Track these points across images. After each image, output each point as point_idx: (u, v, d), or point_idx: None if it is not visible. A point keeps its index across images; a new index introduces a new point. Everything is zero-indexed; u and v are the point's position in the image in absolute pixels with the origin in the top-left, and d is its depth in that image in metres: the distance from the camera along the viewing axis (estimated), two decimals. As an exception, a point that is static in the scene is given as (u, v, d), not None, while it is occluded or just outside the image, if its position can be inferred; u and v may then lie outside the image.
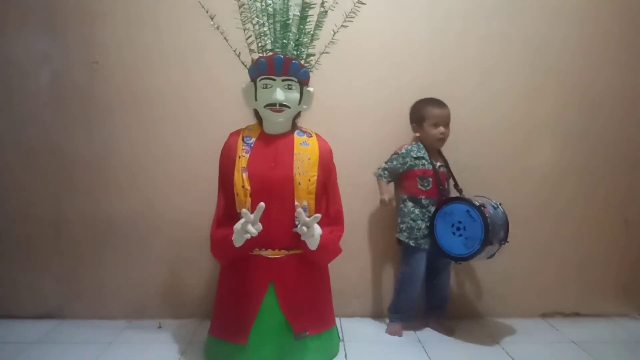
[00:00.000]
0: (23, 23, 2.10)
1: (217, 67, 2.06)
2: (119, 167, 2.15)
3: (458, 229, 1.89)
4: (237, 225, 1.58)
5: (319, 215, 1.61)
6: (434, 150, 2.07)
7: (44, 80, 2.13)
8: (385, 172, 2.05)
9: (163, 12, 2.10)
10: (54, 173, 2.15)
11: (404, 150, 2.05)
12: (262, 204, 1.57)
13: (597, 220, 2.27)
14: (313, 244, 1.64)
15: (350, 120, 2.17)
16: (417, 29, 2.16)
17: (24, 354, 1.84)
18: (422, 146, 2.05)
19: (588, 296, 2.29)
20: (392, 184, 2.08)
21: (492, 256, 1.92)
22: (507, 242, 1.91)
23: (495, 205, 1.93)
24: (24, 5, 2.09)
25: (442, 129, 2.00)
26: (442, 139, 2.02)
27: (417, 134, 2.08)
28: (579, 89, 2.22)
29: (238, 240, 1.61)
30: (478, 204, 1.85)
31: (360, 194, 2.19)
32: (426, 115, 2.03)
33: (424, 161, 2.02)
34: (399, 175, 2.06)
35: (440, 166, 2.06)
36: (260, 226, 1.58)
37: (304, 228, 1.59)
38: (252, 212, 1.58)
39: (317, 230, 1.63)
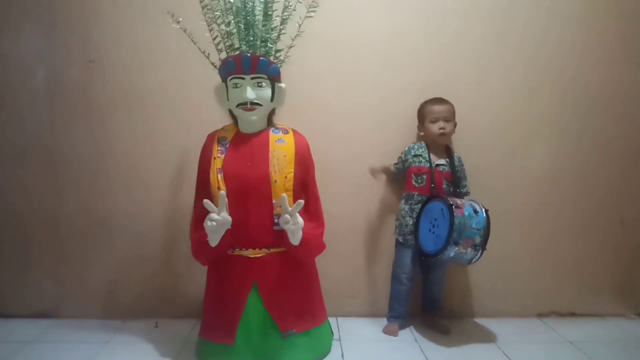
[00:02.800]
0: (21, 21, 2.10)
1: (216, 64, 2.05)
2: (116, 165, 2.15)
3: (433, 226, 1.90)
4: (205, 221, 1.58)
5: (301, 201, 1.59)
6: (440, 147, 2.08)
7: (41, 78, 2.13)
8: (399, 164, 2.13)
9: (161, 10, 2.09)
10: (51, 171, 2.15)
11: (402, 154, 2.10)
12: (222, 192, 1.58)
13: (593, 220, 2.28)
14: (295, 237, 1.62)
15: (346, 119, 2.17)
16: (413, 29, 2.16)
17: (20, 353, 1.84)
18: (423, 144, 2.08)
19: (584, 296, 2.30)
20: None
21: (470, 262, 1.88)
22: (485, 250, 1.85)
23: (478, 210, 1.85)
24: (22, 4, 2.09)
25: (441, 123, 2.02)
26: (443, 134, 2.02)
27: (422, 133, 2.11)
28: (574, 88, 2.23)
29: (212, 239, 1.61)
30: (451, 203, 1.82)
31: (357, 194, 2.19)
32: (426, 112, 2.07)
33: (421, 158, 2.04)
34: (405, 170, 2.10)
35: (439, 165, 2.05)
36: (227, 215, 1.58)
37: (287, 216, 1.58)
38: (228, 211, 1.59)
39: (300, 220, 1.61)
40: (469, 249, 1.83)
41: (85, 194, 2.15)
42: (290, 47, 1.75)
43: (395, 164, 2.14)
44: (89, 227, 2.16)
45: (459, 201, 1.86)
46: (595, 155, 2.26)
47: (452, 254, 1.82)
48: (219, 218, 1.57)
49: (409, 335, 2.05)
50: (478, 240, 1.83)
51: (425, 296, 2.17)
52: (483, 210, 1.86)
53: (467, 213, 1.82)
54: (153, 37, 2.11)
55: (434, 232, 1.89)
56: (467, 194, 2.08)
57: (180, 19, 1.74)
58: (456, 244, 1.79)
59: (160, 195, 2.16)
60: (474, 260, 1.87)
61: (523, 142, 2.24)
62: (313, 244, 1.72)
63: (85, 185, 2.15)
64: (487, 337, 2.04)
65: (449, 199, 1.86)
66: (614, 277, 2.30)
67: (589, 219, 2.28)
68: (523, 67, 2.20)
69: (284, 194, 1.60)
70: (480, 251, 1.85)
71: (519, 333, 2.08)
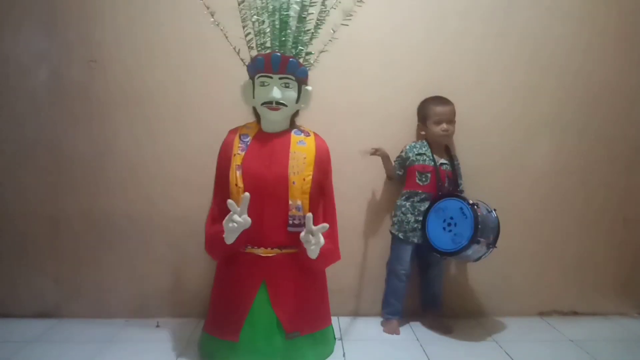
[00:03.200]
0: (22, 21, 2.10)
1: (217, 65, 2.06)
2: (118, 165, 2.15)
3: (449, 224, 1.91)
4: (226, 221, 1.58)
5: (326, 225, 1.58)
6: (440, 147, 2.09)
7: (43, 78, 2.13)
8: (397, 161, 2.13)
9: (162, 10, 2.10)
10: (52, 171, 2.14)
11: (403, 153, 2.11)
12: (246, 194, 1.57)
13: (595, 219, 2.28)
14: (314, 253, 1.62)
15: (347, 119, 2.17)
16: (414, 28, 2.16)
17: (22, 352, 1.84)
18: (425, 143, 2.09)
19: (586, 295, 2.29)
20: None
21: (478, 259, 1.93)
22: (496, 247, 1.91)
23: (489, 209, 1.93)
24: (23, 4, 2.09)
25: (444, 125, 2.03)
26: (446, 135, 2.04)
27: (423, 132, 2.11)
28: (576, 87, 2.22)
29: (229, 237, 1.61)
30: (472, 202, 1.87)
31: (358, 193, 2.20)
32: (429, 113, 2.07)
33: (425, 157, 2.05)
34: (405, 168, 2.11)
35: (442, 164, 2.06)
36: (247, 217, 1.57)
37: (309, 236, 1.57)
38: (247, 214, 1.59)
39: (321, 240, 1.59)
40: (484, 247, 1.88)
41: (86, 194, 2.15)
42: (322, 51, 1.75)
43: (395, 160, 2.13)
44: (89, 226, 2.16)
45: (473, 200, 1.89)
46: (597, 154, 2.26)
47: (470, 252, 1.86)
48: (240, 220, 1.56)
49: (410, 334, 2.04)
50: (491, 238, 1.89)
51: (425, 293, 2.17)
52: (492, 209, 1.92)
53: (484, 212, 1.87)
54: (153, 37, 2.11)
55: (450, 231, 1.90)
56: (461, 192, 2.09)
57: (215, 12, 1.73)
58: (478, 242, 1.84)
59: (163, 194, 2.15)
60: (483, 257, 1.91)
61: (524, 141, 2.24)
62: (328, 258, 1.73)
63: (86, 185, 2.15)
64: (489, 335, 2.04)
65: (466, 198, 1.90)
66: (617, 275, 2.30)
67: (592, 218, 2.28)
68: (524, 67, 2.20)
69: (310, 214, 1.58)
70: (491, 248, 1.90)
71: (520, 332, 2.08)
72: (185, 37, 2.08)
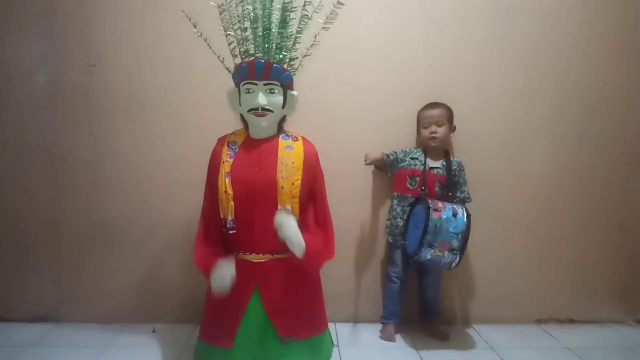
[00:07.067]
0: (22, 25, 2.11)
1: (214, 70, 2.05)
2: (116, 169, 2.15)
3: (416, 227, 1.91)
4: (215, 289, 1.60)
5: (289, 209, 1.62)
6: (438, 151, 2.09)
7: (41, 82, 2.13)
8: (392, 155, 2.11)
9: (161, 15, 2.10)
10: (51, 174, 2.15)
11: (401, 153, 2.12)
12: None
13: (593, 225, 2.28)
14: (296, 248, 1.60)
15: (345, 124, 2.18)
16: (414, 33, 2.17)
17: (19, 357, 1.84)
18: (421, 150, 2.10)
19: (583, 302, 2.29)
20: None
21: (451, 266, 1.86)
22: (463, 254, 1.83)
23: (459, 214, 1.83)
24: (23, 8, 2.10)
25: (433, 127, 2.04)
26: (433, 138, 2.04)
27: (418, 138, 2.15)
28: (575, 92, 2.23)
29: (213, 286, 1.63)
30: (430, 205, 1.82)
31: (356, 198, 2.20)
32: (419, 118, 2.12)
33: (417, 161, 2.07)
34: (396, 168, 2.10)
35: (433, 168, 2.06)
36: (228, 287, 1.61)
37: (281, 229, 1.58)
38: (234, 215, 1.65)
39: (295, 232, 1.60)
40: (446, 253, 1.83)
41: (84, 198, 2.16)
42: (305, 55, 1.76)
43: (388, 154, 2.12)
44: (88, 231, 2.16)
45: (440, 204, 1.86)
46: (595, 160, 2.26)
47: (428, 257, 1.83)
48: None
49: (407, 341, 2.04)
50: (455, 244, 1.82)
51: (422, 300, 2.17)
52: (464, 214, 1.84)
53: (445, 216, 1.81)
54: (153, 41, 2.11)
55: (416, 234, 1.90)
56: (466, 199, 2.06)
57: (197, 22, 1.73)
58: (431, 246, 1.80)
59: (159, 199, 2.16)
60: (453, 264, 1.86)
61: (523, 146, 2.24)
62: (314, 256, 1.69)
63: (85, 189, 2.15)
64: (486, 343, 2.04)
65: (430, 201, 1.86)
66: (614, 283, 2.30)
67: (589, 224, 2.28)
68: (524, 72, 2.21)
69: (280, 209, 1.61)
70: (458, 255, 1.84)
71: (517, 339, 2.08)
72: (184, 41, 2.08)
